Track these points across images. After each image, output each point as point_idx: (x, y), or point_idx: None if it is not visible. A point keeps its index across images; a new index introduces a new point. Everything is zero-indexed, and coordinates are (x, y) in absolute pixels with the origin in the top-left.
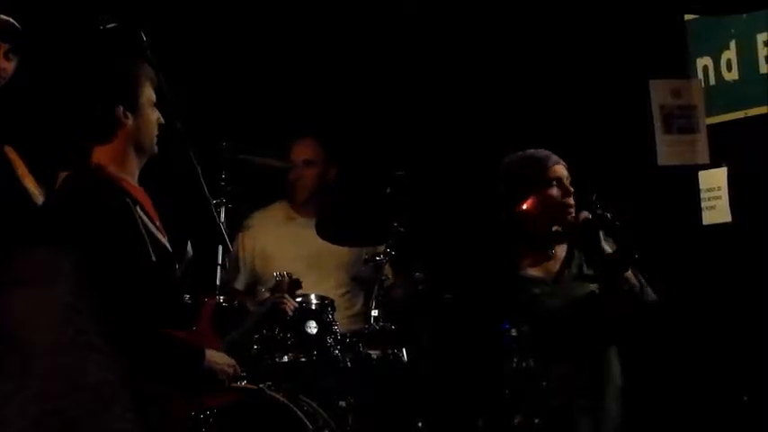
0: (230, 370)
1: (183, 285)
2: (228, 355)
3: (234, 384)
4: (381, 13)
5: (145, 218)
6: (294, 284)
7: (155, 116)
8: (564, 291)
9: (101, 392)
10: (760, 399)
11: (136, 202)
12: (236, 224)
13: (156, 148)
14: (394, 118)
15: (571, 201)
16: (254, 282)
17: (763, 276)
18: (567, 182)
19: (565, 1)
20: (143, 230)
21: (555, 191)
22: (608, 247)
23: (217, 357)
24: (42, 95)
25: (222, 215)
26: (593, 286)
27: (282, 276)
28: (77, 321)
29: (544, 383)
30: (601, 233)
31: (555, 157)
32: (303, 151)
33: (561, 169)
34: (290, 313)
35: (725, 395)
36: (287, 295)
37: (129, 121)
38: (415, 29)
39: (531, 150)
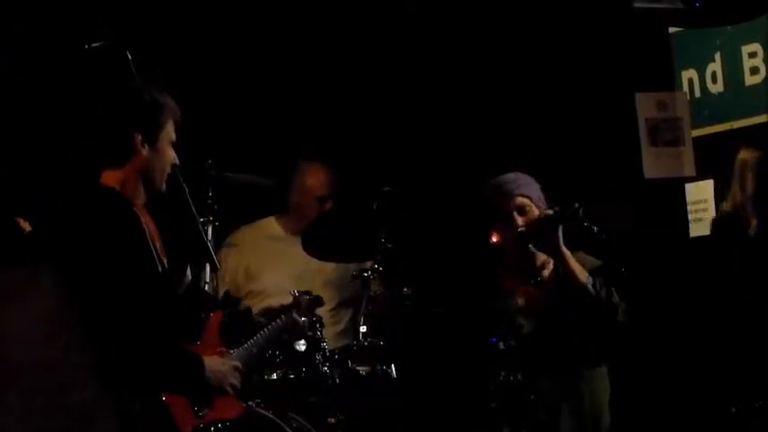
0: (234, 372)
1: (185, 305)
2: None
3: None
4: (377, 16)
5: (148, 236)
6: (315, 302)
7: (170, 154)
8: (550, 319)
9: (84, 411)
10: (748, 410)
11: (140, 218)
12: (223, 241)
13: (163, 187)
14: (381, 133)
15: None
16: (233, 298)
17: (750, 288)
18: (529, 209)
19: (551, 15)
20: (150, 242)
21: (519, 220)
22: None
23: (217, 364)
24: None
25: (209, 233)
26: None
27: (301, 294)
28: (66, 338)
29: (532, 397)
30: (560, 231)
31: (516, 184)
32: (318, 186)
33: (522, 199)
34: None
35: (712, 407)
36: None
37: (145, 151)
38: (411, 36)
39: (498, 178)
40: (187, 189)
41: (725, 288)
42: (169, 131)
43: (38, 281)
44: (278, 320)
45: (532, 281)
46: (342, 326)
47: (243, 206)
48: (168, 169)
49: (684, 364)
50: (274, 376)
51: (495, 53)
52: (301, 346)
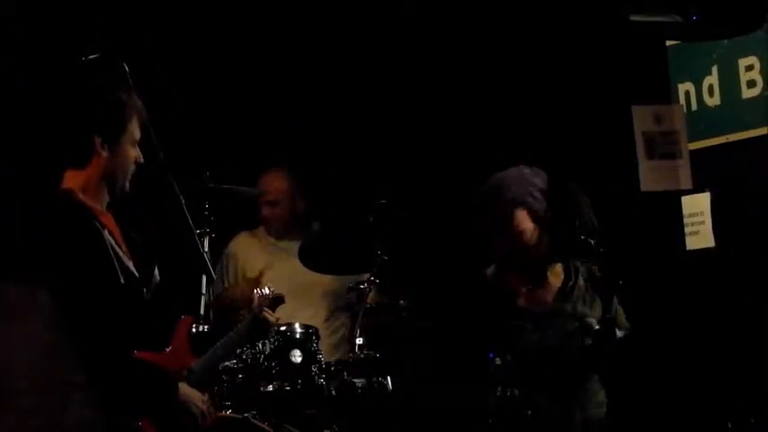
0: (203, 406)
1: (153, 309)
2: (209, 371)
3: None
4: (369, 26)
5: (112, 241)
6: (276, 300)
7: (133, 154)
8: (553, 326)
9: (82, 430)
10: (746, 426)
11: (104, 226)
12: (220, 252)
13: (127, 186)
14: (377, 146)
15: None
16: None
17: (746, 301)
18: (524, 225)
19: (547, 28)
20: (111, 253)
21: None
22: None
23: (189, 391)
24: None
25: (206, 245)
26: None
27: (263, 291)
28: (60, 359)
29: (528, 413)
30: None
31: (513, 193)
32: (267, 191)
33: (519, 213)
34: (273, 321)
35: (710, 421)
36: (267, 309)
37: (105, 154)
38: (410, 42)
39: (496, 181)
40: (184, 201)
41: (723, 301)
42: (132, 131)
43: (35, 299)
44: (239, 326)
45: (535, 282)
46: (338, 338)
47: (239, 218)
48: (132, 169)
49: (681, 378)
50: (270, 388)
51: (491, 65)
52: (297, 357)
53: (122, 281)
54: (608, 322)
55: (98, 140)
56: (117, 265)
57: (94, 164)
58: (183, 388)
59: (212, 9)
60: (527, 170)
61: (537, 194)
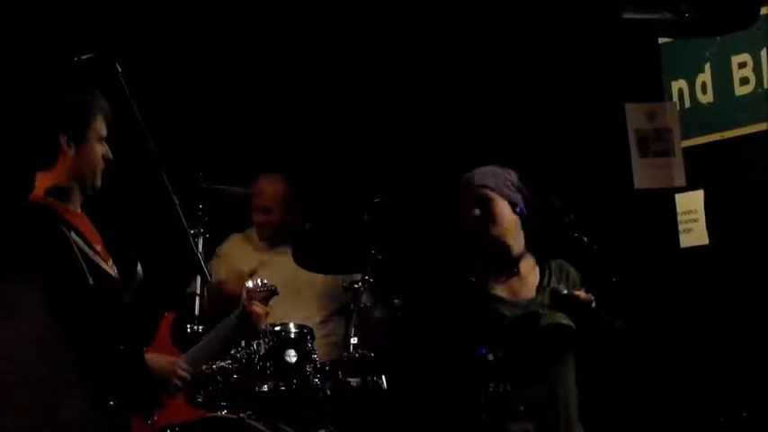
0: (172, 368)
1: (134, 308)
2: (196, 364)
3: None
4: (365, 29)
5: (81, 243)
6: (269, 293)
7: (101, 150)
8: (529, 316)
9: (74, 428)
10: (738, 420)
11: (70, 227)
12: (214, 252)
13: (98, 183)
14: (371, 144)
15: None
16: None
17: (740, 298)
18: (491, 200)
19: (541, 26)
20: (78, 255)
21: (476, 211)
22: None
23: (159, 360)
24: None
25: (200, 245)
26: (561, 317)
27: (256, 285)
28: (56, 355)
29: (521, 408)
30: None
31: (477, 176)
32: (262, 198)
33: (481, 191)
34: (262, 315)
35: (703, 416)
36: (257, 302)
37: (72, 152)
38: (407, 44)
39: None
40: (177, 201)
41: (717, 298)
42: (97, 128)
43: (29, 297)
44: (229, 317)
45: (509, 276)
46: (332, 337)
47: (233, 218)
48: (100, 165)
49: (674, 374)
50: (265, 388)
51: (485, 64)
52: (292, 357)
53: (91, 282)
54: (602, 320)
55: (63, 138)
56: (84, 266)
57: (62, 163)
58: (150, 356)
59: (208, 7)
60: (498, 168)
61: (512, 188)
